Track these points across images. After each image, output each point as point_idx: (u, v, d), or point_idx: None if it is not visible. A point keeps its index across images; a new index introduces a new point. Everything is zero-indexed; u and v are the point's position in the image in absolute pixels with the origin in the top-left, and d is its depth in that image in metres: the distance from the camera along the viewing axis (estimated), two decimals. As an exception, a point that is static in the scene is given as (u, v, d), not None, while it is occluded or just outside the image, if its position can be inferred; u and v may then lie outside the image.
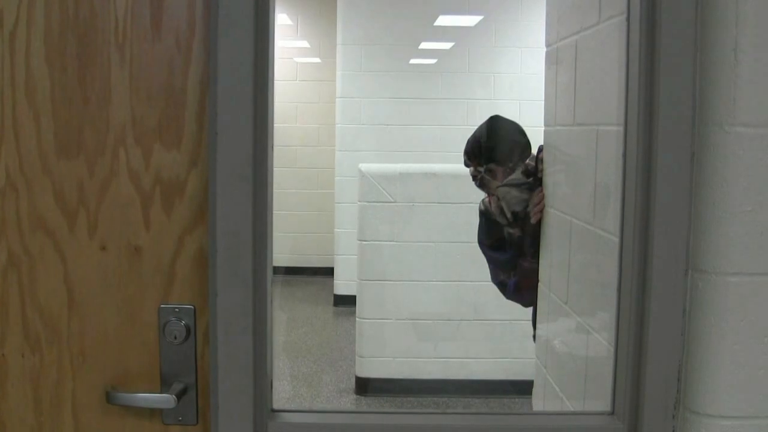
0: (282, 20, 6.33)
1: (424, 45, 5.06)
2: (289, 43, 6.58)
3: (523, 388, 2.36)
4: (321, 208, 6.37)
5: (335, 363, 3.91)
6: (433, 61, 5.07)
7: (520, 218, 2.38)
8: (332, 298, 5.53)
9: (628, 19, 1.20)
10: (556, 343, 2.00)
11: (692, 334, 1.20)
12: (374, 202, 3.81)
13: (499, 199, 2.43)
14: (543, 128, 1.99)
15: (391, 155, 4.65)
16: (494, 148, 2.54)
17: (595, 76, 1.50)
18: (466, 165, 2.65)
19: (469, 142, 2.62)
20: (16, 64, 1.19)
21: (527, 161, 2.37)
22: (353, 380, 3.99)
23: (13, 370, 1.24)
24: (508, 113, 3.38)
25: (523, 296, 2.51)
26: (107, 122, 1.19)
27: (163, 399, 1.18)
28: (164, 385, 1.22)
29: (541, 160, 2.29)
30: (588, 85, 1.59)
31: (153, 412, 1.23)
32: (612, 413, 1.28)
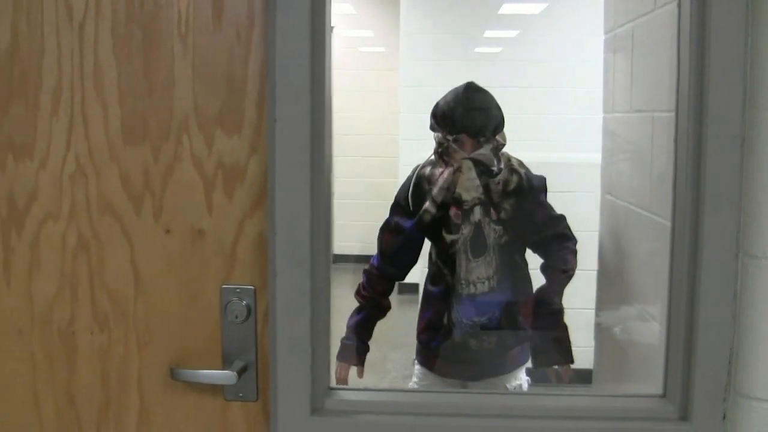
0: (345, 10, 6.47)
1: (488, 33, 5.11)
2: (353, 32, 6.74)
3: (586, 377, 2.47)
4: (386, 197, 6.51)
5: (398, 349, 4.03)
6: (498, 49, 5.11)
7: (456, 203, 2.38)
8: (397, 286, 5.68)
9: (679, 4, 1.30)
10: (614, 330, 2.10)
11: (743, 318, 1.30)
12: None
13: (456, 171, 2.39)
14: (602, 115, 2.09)
15: None
16: (468, 118, 2.42)
17: (651, 62, 1.59)
18: (432, 129, 2.52)
19: (440, 106, 2.49)
20: (85, 55, 1.34)
21: (497, 151, 2.38)
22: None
23: (83, 348, 1.40)
24: (574, 101, 3.42)
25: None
26: (171, 110, 1.33)
27: (225, 375, 1.32)
28: (225, 363, 1.36)
29: (512, 171, 2.36)
30: (644, 71, 1.68)
31: (215, 389, 1.37)
32: (663, 396, 1.38)
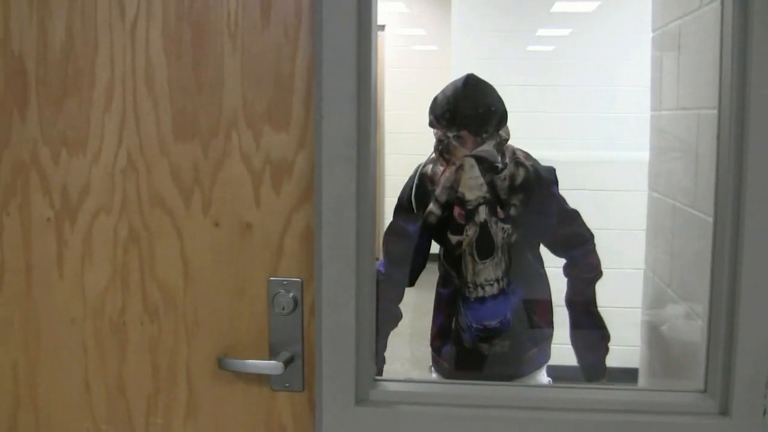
0: (397, 8, 6.55)
1: (541, 32, 5.11)
2: (405, 31, 6.81)
3: (633, 376, 2.47)
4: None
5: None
6: (551, 47, 5.12)
7: (460, 203, 2.28)
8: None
9: (722, 2, 1.32)
10: (662, 329, 2.11)
11: (784, 314, 1.32)
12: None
13: (459, 170, 2.31)
14: (650, 113, 2.11)
15: (510, 142, 4.69)
16: (469, 113, 2.32)
17: (696, 60, 1.61)
18: (432, 126, 2.41)
19: (439, 102, 2.38)
20: (137, 54, 1.39)
21: (502, 143, 2.30)
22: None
23: (133, 337, 1.45)
24: (627, 100, 3.42)
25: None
26: (220, 106, 1.38)
27: (272, 366, 1.37)
28: (272, 354, 1.41)
29: (518, 164, 2.26)
30: (690, 69, 1.70)
31: (261, 379, 1.42)
32: (704, 391, 1.40)
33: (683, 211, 1.81)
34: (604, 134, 4.41)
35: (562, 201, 2.41)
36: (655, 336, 2.17)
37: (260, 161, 1.38)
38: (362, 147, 1.35)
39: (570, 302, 2.43)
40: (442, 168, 2.36)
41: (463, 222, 2.33)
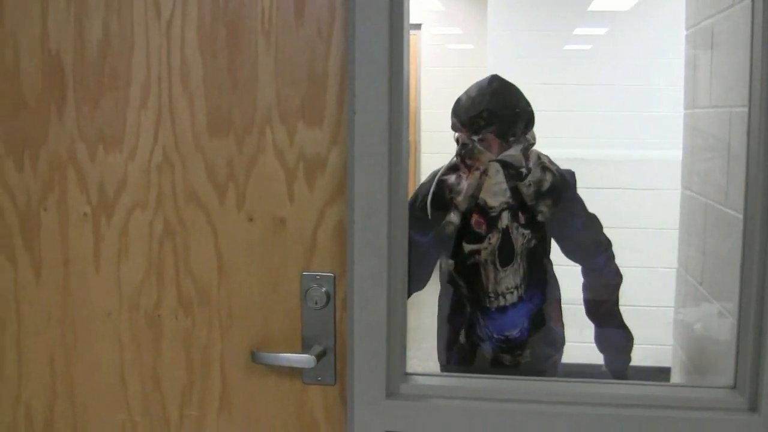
0: (433, 7, 6.58)
1: (578, 30, 5.12)
2: (441, 29, 6.85)
3: (665, 375, 2.48)
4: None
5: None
6: (588, 46, 5.13)
7: (480, 211, 2.22)
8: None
9: (753, 0, 1.34)
10: (694, 327, 2.12)
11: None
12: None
13: (483, 176, 2.23)
14: (683, 111, 2.12)
15: (541, 141, 4.71)
16: (497, 115, 2.23)
17: (729, 58, 1.63)
18: (454, 129, 2.31)
19: (463, 103, 2.29)
20: (172, 52, 1.43)
21: (528, 152, 2.23)
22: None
23: (168, 331, 1.49)
24: (663, 99, 3.42)
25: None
26: (254, 103, 1.41)
27: (304, 359, 1.40)
28: (305, 348, 1.44)
29: (545, 169, 2.20)
30: (722, 67, 1.72)
31: (294, 372, 1.46)
32: (734, 387, 1.42)
33: (715, 209, 1.83)
34: (640, 133, 4.41)
35: (585, 205, 2.36)
36: (687, 334, 2.17)
37: (294, 157, 1.41)
38: (394, 143, 1.38)
39: (595, 307, 2.41)
40: (463, 174, 2.29)
41: (481, 230, 2.28)
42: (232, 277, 1.45)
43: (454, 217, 2.28)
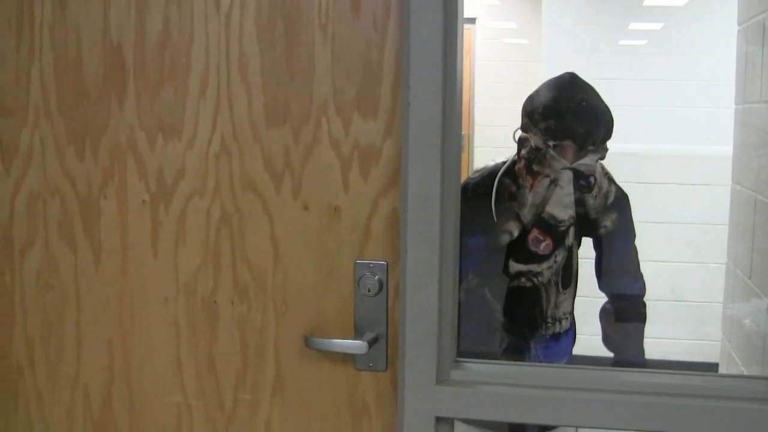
0: (489, 1, 6.63)
1: (633, 25, 5.15)
2: (496, 24, 6.89)
3: (714, 370, 2.49)
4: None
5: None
6: (643, 41, 5.15)
7: (544, 225, 2.06)
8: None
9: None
10: (744, 322, 2.13)
11: None
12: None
13: (552, 185, 2.08)
14: (734, 107, 2.14)
15: None
16: (579, 120, 2.08)
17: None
18: (525, 130, 2.12)
19: (538, 103, 2.11)
20: (231, 43, 1.48)
21: (601, 168, 2.09)
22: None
23: (224, 317, 1.55)
24: (717, 94, 3.40)
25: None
26: (311, 94, 1.46)
27: (357, 345, 1.45)
28: (357, 334, 1.49)
29: (611, 181, 2.08)
30: None
31: (346, 358, 1.51)
32: None
33: (765, 204, 1.85)
34: (693, 128, 4.43)
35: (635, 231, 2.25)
36: (737, 330, 2.20)
37: (349, 147, 1.46)
38: (447, 134, 1.42)
39: (617, 338, 2.28)
40: (529, 181, 2.10)
41: (537, 249, 2.11)
42: (287, 264, 1.51)
43: (513, 227, 2.10)
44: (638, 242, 2.39)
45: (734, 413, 1.41)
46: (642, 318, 2.26)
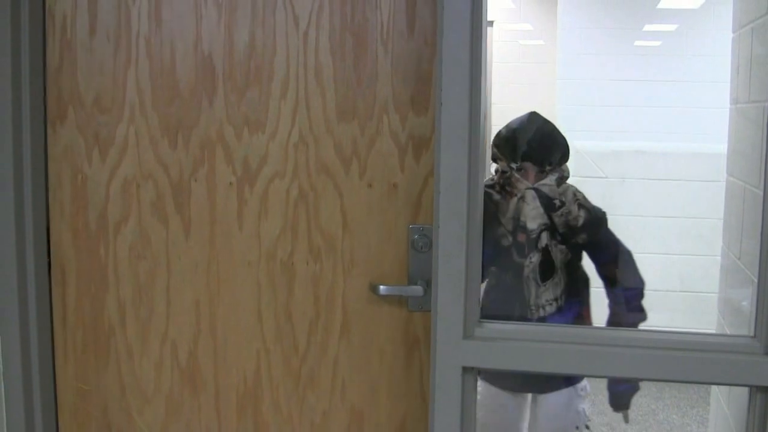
0: (505, 4, 6.92)
1: (648, 27, 5.37)
2: (512, 25, 7.14)
3: None
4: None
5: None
6: (657, 43, 5.42)
7: (523, 231, 2.54)
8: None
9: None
10: (742, 304, 2.41)
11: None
12: (587, 177, 4.43)
13: (521, 201, 2.58)
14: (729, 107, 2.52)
15: (610, 136, 5.00)
16: (534, 146, 2.60)
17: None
18: (494, 160, 2.67)
19: (502, 135, 2.67)
20: (308, 55, 1.92)
21: (561, 188, 2.55)
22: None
23: (300, 275, 1.98)
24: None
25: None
26: (374, 96, 1.92)
27: (415, 289, 1.91)
28: (410, 283, 1.96)
29: (579, 204, 2.51)
30: (763, 65, 2.18)
31: (401, 302, 1.97)
32: (753, 336, 1.77)
33: (750, 192, 2.29)
34: (707, 128, 4.72)
35: (620, 242, 2.66)
36: (731, 314, 2.53)
37: (405, 138, 1.93)
38: (473, 128, 1.83)
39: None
40: (505, 198, 2.62)
41: (522, 250, 2.60)
42: (353, 230, 1.96)
43: (505, 233, 2.63)
44: (649, 235, 2.82)
45: (714, 363, 1.75)
46: (633, 322, 2.69)
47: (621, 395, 2.85)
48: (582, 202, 2.65)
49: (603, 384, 2.92)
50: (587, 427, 2.92)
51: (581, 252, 2.69)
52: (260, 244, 1.98)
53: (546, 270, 2.64)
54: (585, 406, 2.89)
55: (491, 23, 6.89)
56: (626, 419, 2.93)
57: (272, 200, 1.96)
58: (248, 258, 1.98)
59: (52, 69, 1.98)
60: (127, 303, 2.02)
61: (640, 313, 2.68)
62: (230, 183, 1.96)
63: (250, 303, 2.00)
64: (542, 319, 2.63)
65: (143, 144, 1.97)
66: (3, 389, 2.04)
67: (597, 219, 2.65)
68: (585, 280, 2.75)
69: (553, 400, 2.86)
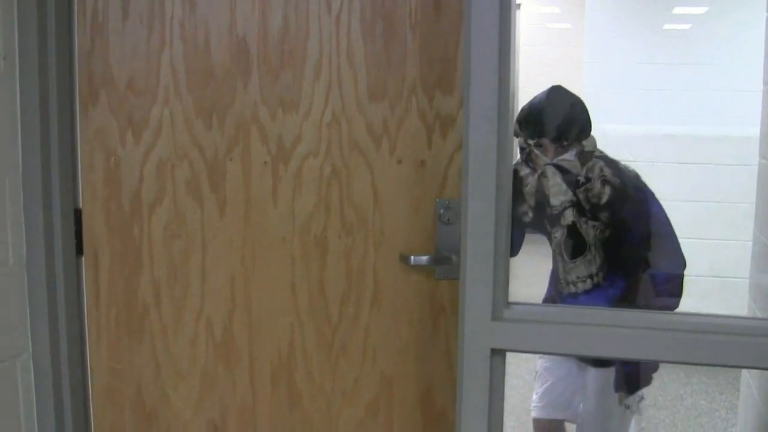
0: None
1: (677, 10, 5.40)
2: (540, 8, 7.14)
3: None
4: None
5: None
6: (687, 26, 5.39)
7: (548, 210, 2.51)
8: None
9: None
10: (763, 281, 2.50)
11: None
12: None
13: (542, 177, 2.56)
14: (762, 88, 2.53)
15: (639, 119, 4.97)
16: (551, 122, 2.56)
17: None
18: (516, 135, 2.64)
19: (523, 110, 2.65)
20: (340, 38, 2.02)
21: (582, 154, 2.49)
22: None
23: (332, 248, 2.09)
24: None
25: None
26: (403, 77, 2.04)
27: (443, 258, 2.07)
28: (438, 254, 2.11)
29: (604, 180, 2.42)
30: None
31: (429, 271, 2.10)
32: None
33: None
34: (738, 111, 4.62)
35: (660, 220, 2.54)
36: (764, 297, 2.58)
37: (432, 117, 2.06)
38: (502, 107, 2.03)
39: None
40: (530, 174, 2.61)
41: (549, 225, 2.60)
42: (384, 204, 2.08)
43: (529, 209, 2.62)
44: (679, 220, 2.55)
45: (754, 346, 1.71)
46: (668, 305, 2.56)
47: (629, 376, 2.76)
48: (608, 179, 2.56)
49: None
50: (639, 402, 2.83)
51: (624, 229, 2.62)
52: (294, 220, 2.07)
53: (575, 247, 2.61)
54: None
55: (518, 6, 6.93)
56: (621, 401, 2.81)
57: (306, 178, 2.06)
58: (282, 234, 2.07)
59: (82, 53, 2.01)
60: (161, 282, 2.08)
61: (676, 298, 2.58)
62: (265, 162, 2.04)
63: (285, 278, 2.09)
64: (574, 296, 2.58)
65: (178, 125, 2.02)
66: (32, 372, 2.07)
67: (626, 196, 2.57)
68: (635, 259, 2.64)
69: (604, 375, 2.80)
